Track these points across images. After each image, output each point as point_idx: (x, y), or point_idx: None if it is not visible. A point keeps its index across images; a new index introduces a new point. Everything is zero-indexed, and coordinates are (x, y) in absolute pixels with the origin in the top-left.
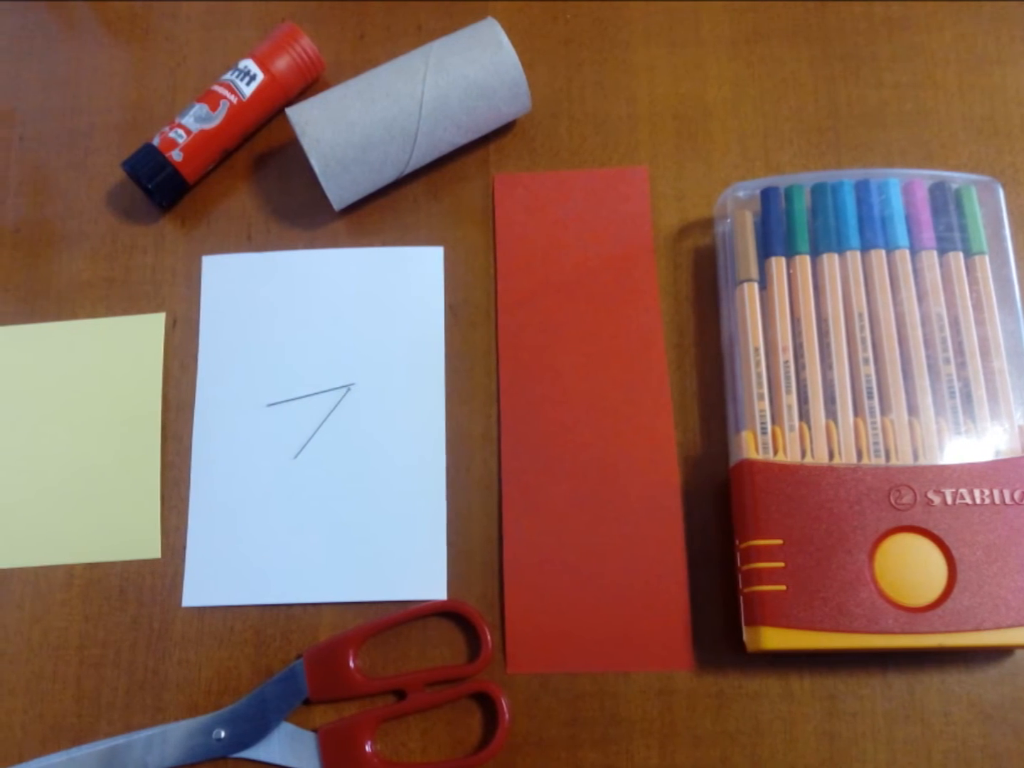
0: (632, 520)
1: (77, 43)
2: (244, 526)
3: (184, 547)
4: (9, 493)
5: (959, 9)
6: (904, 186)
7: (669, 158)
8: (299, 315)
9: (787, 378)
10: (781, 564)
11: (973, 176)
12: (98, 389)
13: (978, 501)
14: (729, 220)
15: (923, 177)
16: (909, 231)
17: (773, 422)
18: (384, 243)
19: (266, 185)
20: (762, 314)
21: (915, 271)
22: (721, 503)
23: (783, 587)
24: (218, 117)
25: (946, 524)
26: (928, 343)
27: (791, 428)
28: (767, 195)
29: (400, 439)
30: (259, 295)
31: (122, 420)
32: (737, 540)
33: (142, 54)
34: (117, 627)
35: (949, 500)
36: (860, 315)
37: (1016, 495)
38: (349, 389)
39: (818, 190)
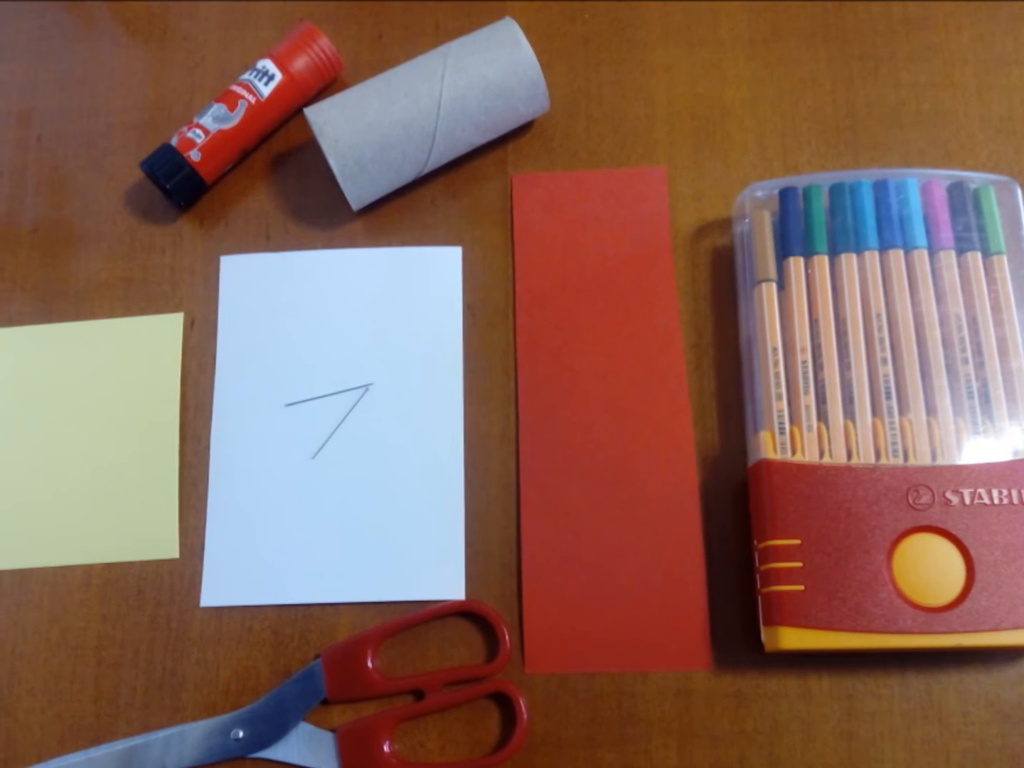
0: (650, 520)
1: (95, 43)
2: (262, 526)
3: (202, 547)
4: (27, 493)
5: (977, 9)
6: (922, 186)
7: (687, 158)
8: (317, 315)
9: (805, 378)
10: (799, 564)
11: (991, 176)
12: (116, 389)
13: (996, 501)
14: (747, 220)
15: (941, 177)
16: (927, 231)
17: (791, 422)
18: (402, 243)
19: (284, 185)
20: (780, 314)
21: (933, 271)
22: (739, 503)
23: (801, 587)
24: (236, 117)
25: (964, 524)
26: (946, 343)
27: (809, 428)
28: (785, 195)
29: (418, 439)
30: (277, 295)
31: (140, 420)
32: (755, 540)
33: (160, 54)
34: (135, 627)
35: (967, 500)
36: (878, 315)
37: None
38: (367, 389)
39: (836, 190)
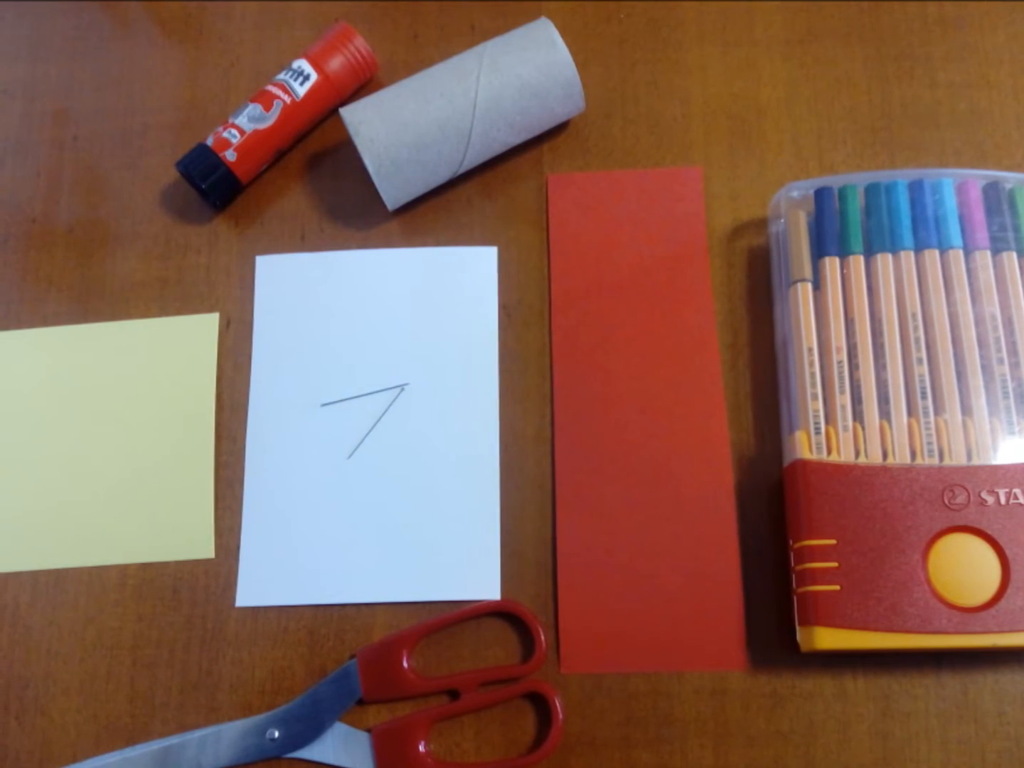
0: (686, 520)
1: (130, 43)
2: (298, 526)
3: (238, 547)
4: (63, 494)
5: (1013, 9)
6: (958, 186)
7: (723, 158)
8: (353, 315)
9: (841, 378)
10: (835, 564)
11: None
12: (152, 389)
13: None
14: (783, 220)
15: (977, 177)
16: (963, 231)
17: (827, 422)
18: (438, 243)
19: (320, 185)
20: (816, 314)
21: (969, 271)
22: (775, 503)
23: (837, 587)
24: (272, 117)
25: (1000, 524)
26: (982, 343)
27: (845, 428)
28: (821, 195)
29: (454, 439)
30: (313, 295)
31: (176, 420)
32: (791, 540)
33: (196, 54)
34: (171, 627)
35: (1003, 500)
36: (914, 315)
37: None
38: (403, 389)
39: (872, 190)
